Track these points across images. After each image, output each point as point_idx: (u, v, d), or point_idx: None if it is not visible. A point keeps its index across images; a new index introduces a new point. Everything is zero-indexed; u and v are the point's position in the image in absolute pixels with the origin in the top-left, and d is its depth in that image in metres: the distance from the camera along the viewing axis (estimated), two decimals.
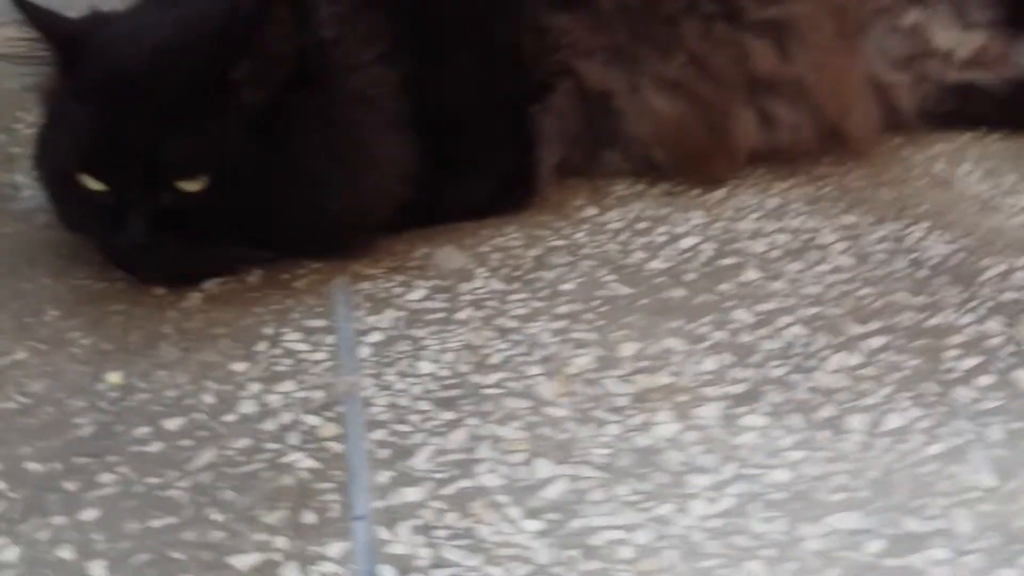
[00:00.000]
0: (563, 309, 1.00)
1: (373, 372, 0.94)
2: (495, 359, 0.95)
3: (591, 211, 1.16)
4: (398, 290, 1.05)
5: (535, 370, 0.93)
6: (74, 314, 1.04)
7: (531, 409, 0.89)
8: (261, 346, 0.99)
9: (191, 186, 1.00)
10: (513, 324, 0.99)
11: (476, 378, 0.93)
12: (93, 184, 1.02)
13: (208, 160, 1.00)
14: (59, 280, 1.09)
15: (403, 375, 0.94)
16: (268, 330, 1.01)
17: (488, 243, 1.11)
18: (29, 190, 1.25)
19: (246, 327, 1.01)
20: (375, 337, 0.99)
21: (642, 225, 1.13)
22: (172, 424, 0.90)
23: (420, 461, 0.84)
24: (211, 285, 1.07)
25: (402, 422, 0.88)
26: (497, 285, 1.05)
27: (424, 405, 0.90)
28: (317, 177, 1.02)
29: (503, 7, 1.14)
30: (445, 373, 0.93)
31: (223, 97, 1.01)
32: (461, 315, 1.01)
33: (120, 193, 1.01)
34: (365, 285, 1.06)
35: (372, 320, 1.01)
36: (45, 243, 1.16)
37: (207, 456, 0.86)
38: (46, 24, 1.06)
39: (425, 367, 0.94)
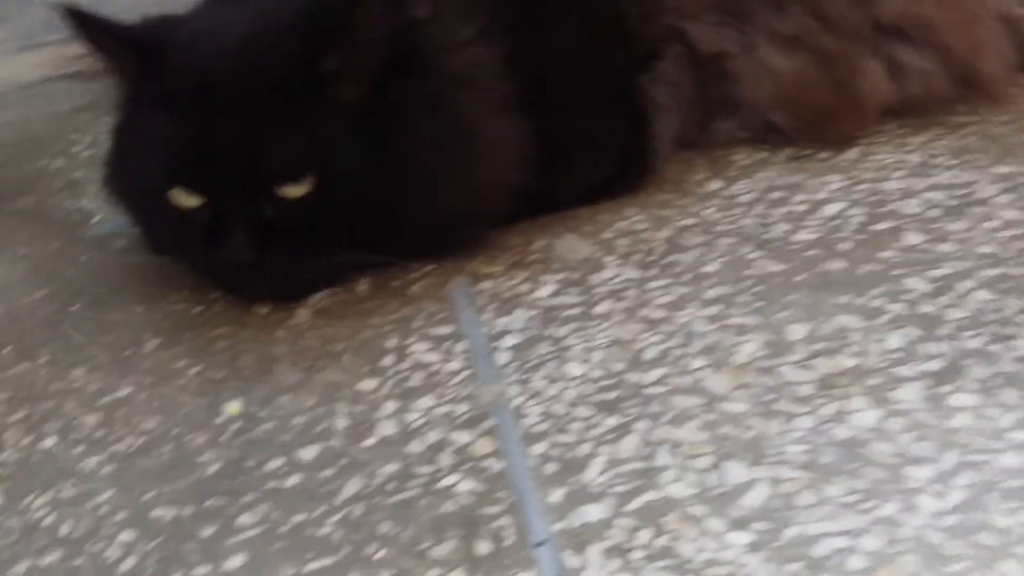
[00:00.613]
0: (712, 293, 0.91)
1: (518, 379, 0.85)
2: (650, 354, 0.86)
3: (715, 184, 1.07)
4: (524, 287, 0.96)
5: (698, 362, 0.84)
6: (175, 342, 0.96)
7: (705, 406, 0.80)
8: (387, 360, 0.90)
9: (295, 191, 0.91)
10: (660, 314, 0.90)
11: (634, 376, 0.84)
12: (186, 200, 0.93)
13: (312, 159, 0.91)
14: (151, 307, 1.01)
15: (552, 379, 0.85)
16: (391, 342, 0.92)
17: (610, 228, 1.02)
18: (100, 215, 1.17)
19: (366, 341, 0.92)
20: (511, 340, 0.90)
21: (776, 195, 1.03)
22: (307, 454, 0.81)
23: (593, 474, 0.76)
24: (319, 299, 0.98)
25: (563, 432, 0.80)
26: (632, 273, 0.96)
27: (583, 411, 0.81)
28: (427, 169, 0.94)
29: None
30: (598, 374, 0.85)
31: (319, 92, 0.92)
32: (600, 309, 0.92)
33: (218, 206, 0.92)
34: (486, 285, 0.97)
35: (503, 322, 0.92)
36: (127, 269, 1.07)
37: (353, 486, 0.78)
38: (112, 33, 0.97)
39: (574, 369, 0.86)
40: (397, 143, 0.93)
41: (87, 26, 0.96)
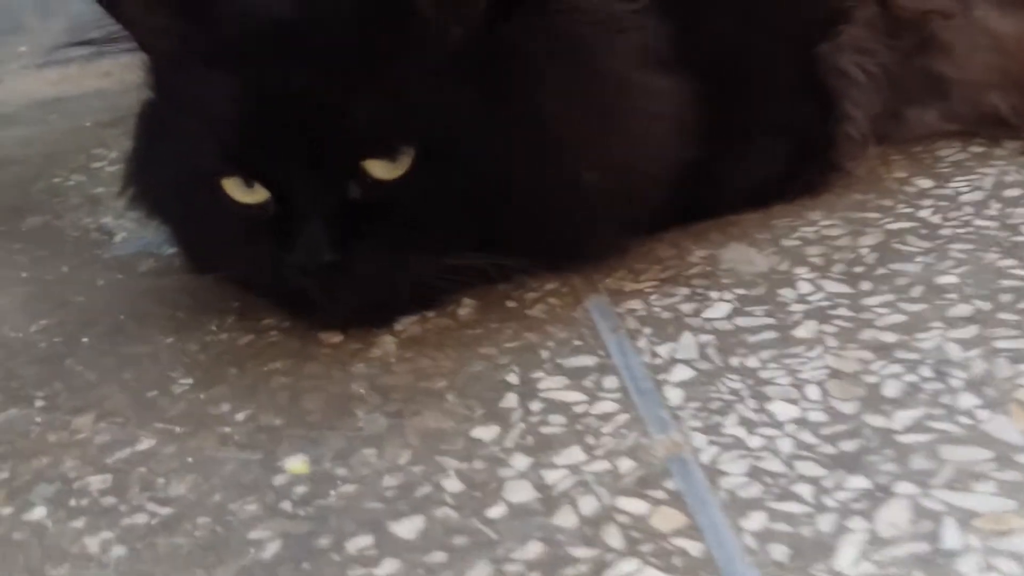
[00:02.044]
0: (960, 310, 0.66)
1: (701, 424, 0.60)
2: (892, 390, 0.60)
3: (924, 182, 0.82)
4: (687, 307, 0.71)
5: (967, 400, 0.58)
6: (216, 379, 0.71)
7: (996, 460, 0.54)
8: (509, 400, 0.64)
9: (389, 169, 0.67)
10: (891, 338, 0.64)
11: (876, 420, 0.58)
12: (245, 193, 0.70)
13: (412, 123, 0.67)
14: (185, 337, 0.76)
15: (751, 425, 0.59)
16: (512, 377, 0.67)
17: (793, 235, 0.77)
18: (123, 233, 0.93)
19: (477, 376, 0.67)
20: (681, 373, 0.64)
21: (1013, 192, 0.78)
22: (405, 529, 0.56)
23: (848, 560, 0.50)
24: (407, 324, 0.74)
25: (786, 498, 0.54)
26: (836, 287, 0.70)
27: (810, 468, 0.55)
28: (563, 133, 0.69)
29: None
30: (821, 418, 0.59)
31: (415, 36, 0.68)
32: (802, 332, 0.66)
33: (290, 195, 0.69)
34: (634, 304, 0.72)
35: (665, 351, 0.67)
36: (154, 294, 0.83)
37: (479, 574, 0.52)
38: None
39: (782, 410, 0.60)
40: (522, 100, 0.68)
41: None
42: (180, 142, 0.72)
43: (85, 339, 0.78)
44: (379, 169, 0.67)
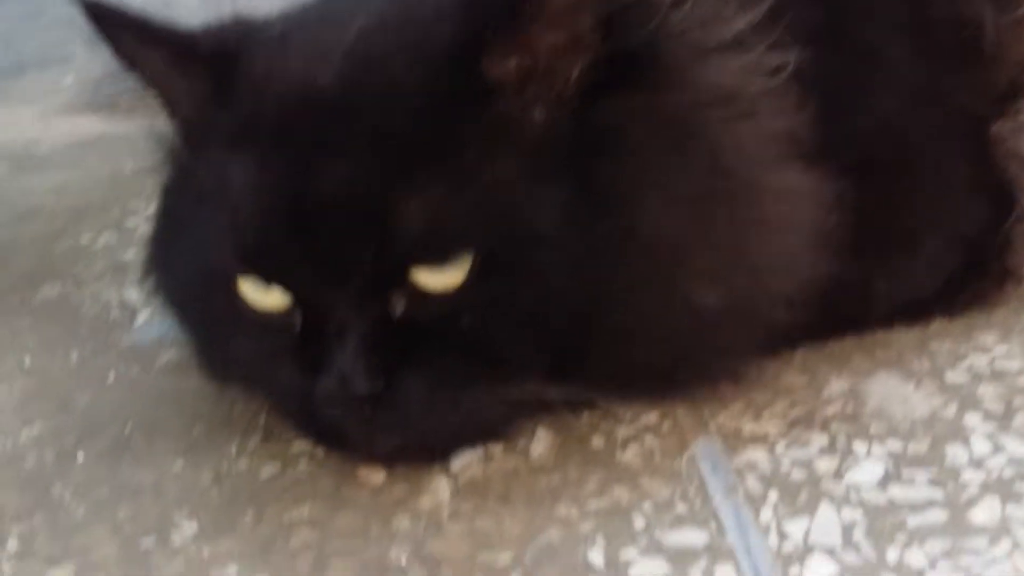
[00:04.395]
0: None
1: None
2: None
3: None
4: (825, 464, 0.55)
5: None
6: (224, 528, 0.57)
7: None
8: None
9: (442, 278, 0.53)
10: None
11: None
12: (265, 295, 0.56)
13: (471, 224, 0.52)
14: (197, 463, 0.63)
15: None
16: (595, 554, 0.52)
17: (960, 365, 0.61)
18: (146, 312, 0.80)
19: (552, 550, 0.52)
20: (820, 567, 0.49)
21: None
22: None
23: None
24: (467, 462, 0.59)
25: None
26: (1022, 448, 0.54)
27: None
28: (670, 245, 0.54)
29: None
30: None
31: (484, 114, 0.53)
32: (980, 515, 0.51)
33: (317, 304, 0.54)
34: (755, 455, 0.57)
35: (797, 529, 0.51)
36: (170, 398, 0.70)
37: None
38: (162, 40, 0.61)
39: None
40: (619, 201, 0.53)
41: (123, 29, 0.60)
42: (198, 231, 0.59)
43: (81, 456, 0.65)
44: (430, 279, 0.53)
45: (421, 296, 0.53)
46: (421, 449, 0.58)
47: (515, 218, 0.53)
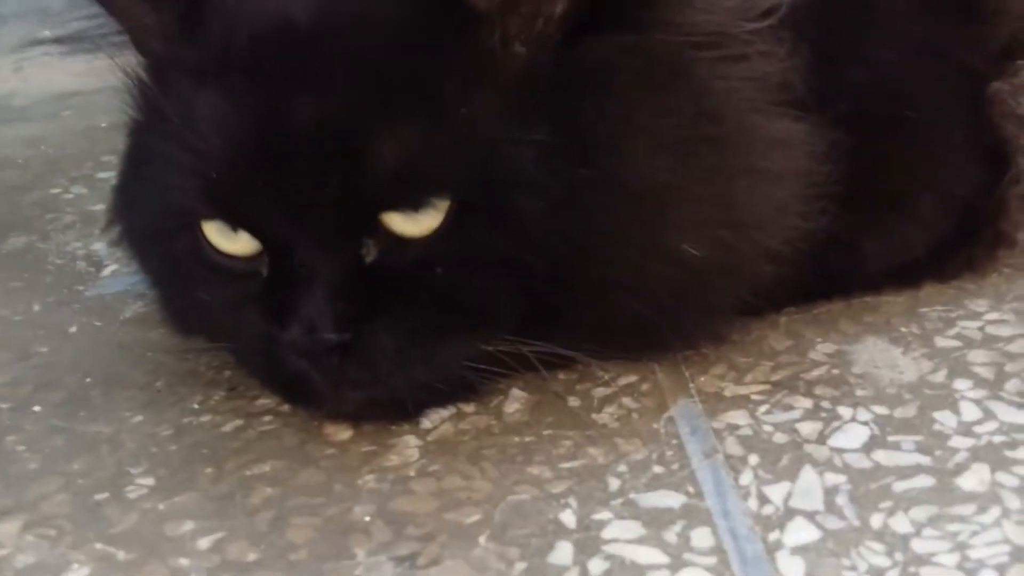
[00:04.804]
0: None
1: None
2: None
3: None
4: (808, 428, 0.53)
5: None
6: (182, 483, 0.55)
7: None
8: (561, 554, 0.47)
9: (417, 223, 0.51)
10: None
11: None
12: (234, 241, 0.54)
13: (448, 166, 0.50)
14: (157, 417, 0.60)
15: None
16: (567, 516, 0.49)
17: (950, 331, 0.59)
18: (113, 265, 0.78)
19: (522, 510, 0.50)
20: (801, 532, 0.47)
21: None
22: None
23: None
24: (438, 421, 0.56)
25: None
26: (1013, 415, 0.52)
27: None
28: (654, 192, 0.52)
29: None
30: None
31: (463, 48, 0.51)
32: (969, 482, 0.49)
33: (287, 252, 0.52)
34: (736, 418, 0.54)
35: (778, 493, 0.49)
36: (132, 351, 0.68)
37: None
38: None
39: None
40: (602, 144, 0.51)
41: None
42: (161, 175, 0.56)
43: (37, 408, 0.62)
44: (403, 224, 0.50)
45: (395, 242, 0.51)
46: (389, 405, 0.55)
47: (493, 160, 0.50)
